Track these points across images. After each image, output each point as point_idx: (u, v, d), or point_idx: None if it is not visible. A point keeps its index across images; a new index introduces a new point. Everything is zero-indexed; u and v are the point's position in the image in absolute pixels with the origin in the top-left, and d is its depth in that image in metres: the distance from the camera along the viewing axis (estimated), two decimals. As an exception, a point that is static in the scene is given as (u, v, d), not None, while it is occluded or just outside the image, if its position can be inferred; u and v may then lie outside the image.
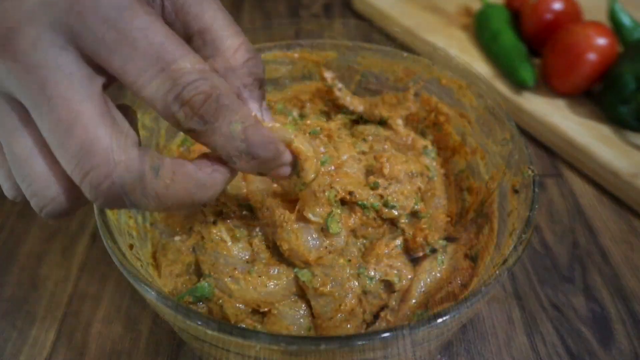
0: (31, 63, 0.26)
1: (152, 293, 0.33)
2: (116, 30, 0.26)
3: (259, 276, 0.40)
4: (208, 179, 0.30)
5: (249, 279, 0.39)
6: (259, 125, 0.31)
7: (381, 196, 0.44)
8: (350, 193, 0.43)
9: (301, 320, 0.40)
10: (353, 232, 0.44)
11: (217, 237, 0.41)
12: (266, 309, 0.40)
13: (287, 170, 0.34)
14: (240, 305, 0.40)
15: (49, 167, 0.28)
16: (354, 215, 0.43)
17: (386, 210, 0.44)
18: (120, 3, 0.26)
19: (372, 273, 0.41)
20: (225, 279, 0.40)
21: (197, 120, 0.28)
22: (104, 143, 0.26)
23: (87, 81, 0.27)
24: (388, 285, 0.42)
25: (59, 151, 0.26)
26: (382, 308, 0.42)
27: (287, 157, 0.34)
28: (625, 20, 0.71)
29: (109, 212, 0.39)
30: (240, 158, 0.30)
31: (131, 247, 0.40)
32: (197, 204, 0.30)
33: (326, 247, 0.40)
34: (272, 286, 0.40)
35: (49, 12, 0.26)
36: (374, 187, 0.44)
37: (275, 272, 0.40)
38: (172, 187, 0.28)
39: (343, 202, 0.44)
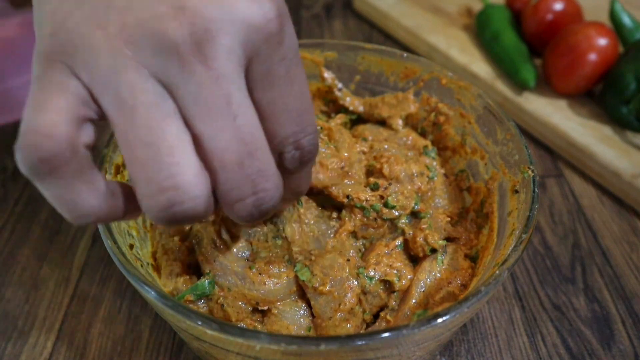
0: (220, 74, 0.25)
1: (153, 293, 0.33)
2: (286, 68, 0.28)
3: (259, 274, 0.40)
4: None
5: (249, 275, 0.40)
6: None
7: (381, 197, 0.44)
8: (348, 196, 0.43)
9: (301, 320, 0.40)
10: (353, 233, 0.44)
11: (216, 237, 0.41)
12: (266, 308, 0.40)
13: None
14: (241, 304, 0.40)
15: (199, 165, 0.26)
16: (353, 217, 0.43)
17: (386, 210, 0.44)
18: (295, 47, 0.29)
19: (372, 273, 0.41)
20: (225, 277, 0.40)
21: (297, 165, 0.31)
22: (274, 179, 0.29)
23: (252, 109, 0.28)
24: (388, 285, 0.42)
25: (235, 167, 0.27)
26: (382, 308, 0.42)
27: None
28: (626, 20, 0.71)
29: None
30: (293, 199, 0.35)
31: (131, 247, 0.40)
32: None
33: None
34: (272, 285, 0.40)
35: (245, 28, 0.26)
36: (374, 188, 0.44)
37: (276, 271, 0.40)
38: None
39: (342, 205, 0.44)
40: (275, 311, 0.40)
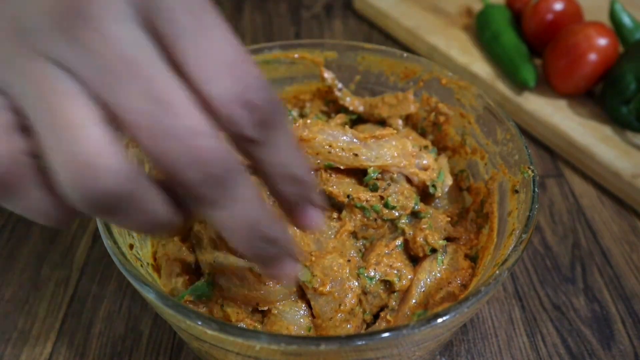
0: (111, 35, 0.23)
1: (152, 293, 0.33)
2: (194, 16, 0.25)
3: (259, 274, 0.40)
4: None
5: (249, 276, 0.39)
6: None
7: (381, 197, 0.44)
8: (349, 196, 0.43)
9: (301, 320, 0.40)
10: (353, 233, 0.44)
11: (216, 237, 0.41)
12: (265, 308, 0.40)
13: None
14: (241, 304, 0.40)
15: (106, 136, 0.24)
16: (354, 217, 0.43)
17: (386, 211, 0.44)
18: None
19: (372, 273, 0.41)
20: (225, 278, 0.40)
21: (259, 129, 0.26)
22: (200, 129, 0.24)
23: (163, 64, 0.24)
24: (388, 286, 0.42)
25: (155, 128, 0.23)
26: (382, 308, 0.42)
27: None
28: (626, 20, 0.71)
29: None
30: (285, 182, 0.29)
31: (131, 247, 0.40)
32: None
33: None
34: (272, 285, 0.40)
35: None
36: (374, 188, 0.44)
37: None
38: None
39: (342, 205, 0.44)
40: (275, 311, 0.40)
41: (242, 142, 0.27)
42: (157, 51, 0.24)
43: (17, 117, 0.25)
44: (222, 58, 0.25)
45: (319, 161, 0.44)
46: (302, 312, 0.40)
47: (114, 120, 0.24)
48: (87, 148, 0.23)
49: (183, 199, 0.27)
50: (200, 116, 0.24)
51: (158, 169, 0.25)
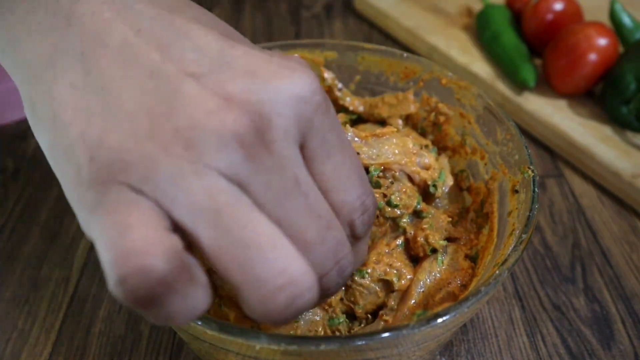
0: (284, 156, 0.25)
1: (152, 293, 0.33)
2: (337, 134, 0.28)
3: None
4: None
5: None
6: None
7: (384, 195, 0.44)
8: None
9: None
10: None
11: None
12: None
13: None
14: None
15: (300, 256, 0.25)
16: None
17: (389, 209, 0.44)
18: (334, 111, 0.29)
19: (370, 270, 0.42)
20: (218, 275, 0.40)
21: (366, 229, 0.30)
22: (347, 244, 0.28)
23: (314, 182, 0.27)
24: (387, 285, 0.42)
25: (319, 245, 0.26)
26: (381, 307, 0.42)
27: None
28: (626, 20, 0.71)
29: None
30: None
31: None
32: None
33: None
34: None
35: (295, 105, 0.25)
36: (376, 186, 0.44)
37: None
38: None
39: None
40: None
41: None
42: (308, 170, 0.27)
43: (166, 223, 0.23)
44: (353, 170, 0.29)
45: None
46: None
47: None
48: (288, 265, 0.24)
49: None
50: (340, 224, 0.28)
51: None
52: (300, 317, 0.40)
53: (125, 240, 0.21)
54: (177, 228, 0.24)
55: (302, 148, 0.26)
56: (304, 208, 0.25)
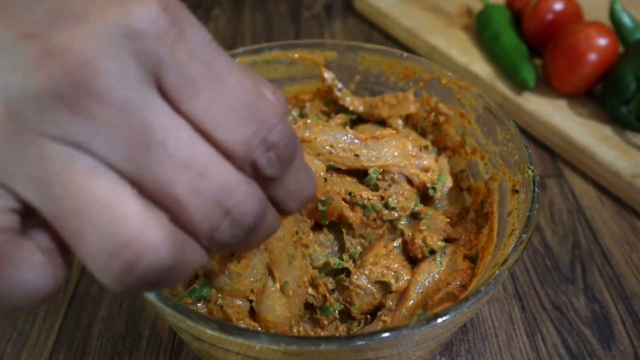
0: (122, 104, 0.21)
1: (153, 293, 0.33)
2: (204, 66, 0.24)
3: (239, 262, 0.39)
4: None
5: (232, 268, 0.39)
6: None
7: (382, 197, 0.44)
8: (350, 194, 0.43)
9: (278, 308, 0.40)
10: (352, 231, 0.44)
11: None
12: (254, 300, 0.40)
13: None
14: (240, 303, 0.40)
15: (146, 209, 0.22)
16: (353, 213, 0.43)
17: (386, 212, 0.44)
18: (205, 37, 0.24)
19: (366, 272, 0.42)
20: (216, 278, 0.40)
21: (278, 166, 0.26)
22: (233, 184, 0.24)
23: (182, 125, 0.23)
24: (384, 286, 0.42)
25: (192, 198, 0.23)
26: (379, 308, 0.42)
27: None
28: (626, 20, 0.71)
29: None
30: (294, 202, 0.29)
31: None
32: None
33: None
34: (251, 269, 0.39)
35: (128, 41, 0.22)
36: (375, 188, 0.44)
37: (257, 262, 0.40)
38: None
39: (343, 202, 0.44)
40: (259, 306, 0.40)
41: (260, 180, 0.26)
42: (172, 111, 0.23)
43: (3, 201, 0.22)
44: (236, 104, 0.24)
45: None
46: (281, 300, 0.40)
47: (143, 193, 0.23)
48: (119, 226, 0.21)
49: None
50: (231, 170, 0.24)
51: (195, 230, 0.24)
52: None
53: None
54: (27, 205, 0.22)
55: (162, 89, 0.23)
56: (164, 158, 0.22)
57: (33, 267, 0.22)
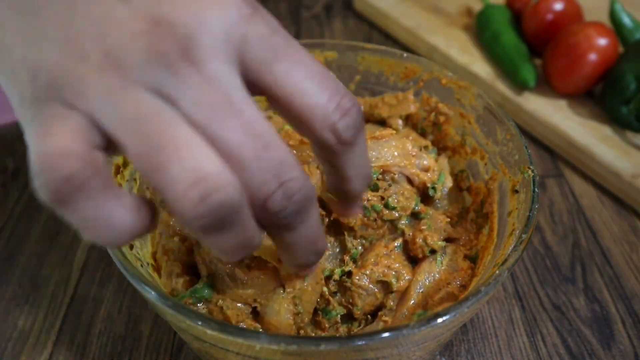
0: (213, 75, 0.26)
1: (153, 293, 0.33)
2: (282, 37, 0.28)
3: (249, 271, 0.39)
4: None
5: (239, 274, 0.39)
6: None
7: (382, 198, 0.44)
8: None
9: (286, 315, 0.40)
10: (352, 232, 0.44)
11: None
12: (258, 306, 0.40)
13: None
14: (240, 305, 0.40)
15: (220, 158, 0.25)
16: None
17: (387, 212, 0.44)
18: (273, 19, 0.29)
19: (368, 273, 0.42)
20: (220, 278, 0.40)
21: (353, 132, 0.29)
22: (290, 161, 0.28)
23: (255, 105, 0.27)
24: (385, 286, 0.42)
25: (255, 163, 0.26)
26: (380, 308, 0.42)
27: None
28: (626, 20, 0.71)
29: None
30: (358, 180, 0.33)
31: (131, 247, 0.40)
32: None
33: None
34: (258, 279, 0.39)
35: (222, 24, 0.26)
36: (374, 188, 0.44)
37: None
38: None
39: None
40: (263, 309, 0.40)
41: (332, 155, 0.30)
42: (248, 93, 0.27)
43: (94, 135, 0.25)
44: (312, 71, 0.28)
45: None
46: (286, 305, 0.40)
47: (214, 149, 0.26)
48: (201, 163, 0.24)
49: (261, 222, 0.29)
50: (290, 151, 0.28)
51: (252, 195, 0.27)
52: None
53: (44, 145, 0.24)
54: (110, 142, 0.26)
55: (245, 65, 0.27)
56: (238, 126, 0.26)
57: (125, 206, 0.26)
